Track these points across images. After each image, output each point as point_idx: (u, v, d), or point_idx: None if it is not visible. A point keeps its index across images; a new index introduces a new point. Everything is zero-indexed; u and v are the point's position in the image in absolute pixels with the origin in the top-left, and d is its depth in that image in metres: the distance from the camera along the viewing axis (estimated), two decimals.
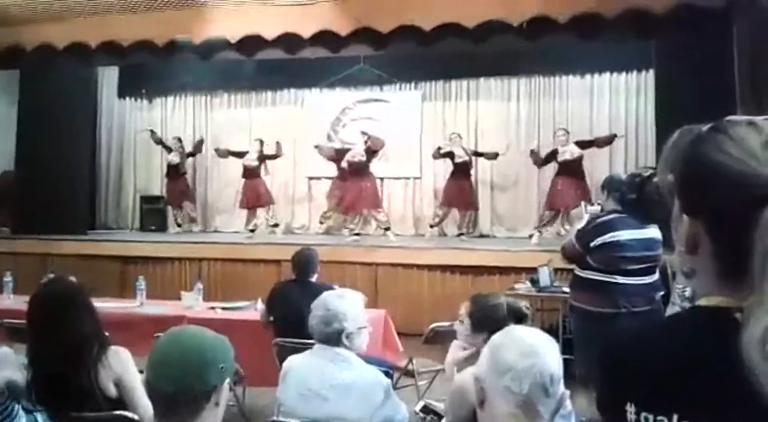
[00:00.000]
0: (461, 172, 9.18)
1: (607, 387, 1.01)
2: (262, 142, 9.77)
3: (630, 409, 0.94)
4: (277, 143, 9.74)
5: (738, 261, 0.86)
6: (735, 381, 0.83)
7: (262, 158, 9.72)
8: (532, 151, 9.06)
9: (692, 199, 0.92)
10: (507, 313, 2.54)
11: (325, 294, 2.80)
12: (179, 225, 10.41)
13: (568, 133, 8.86)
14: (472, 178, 9.48)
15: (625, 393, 0.95)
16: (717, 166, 0.87)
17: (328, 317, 2.66)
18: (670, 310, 1.09)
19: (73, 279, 2.90)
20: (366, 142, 9.02)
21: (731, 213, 0.86)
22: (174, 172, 10.37)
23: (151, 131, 10.72)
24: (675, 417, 0.90)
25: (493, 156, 9.36)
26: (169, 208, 10.60)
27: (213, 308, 5.35)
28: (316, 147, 9.82)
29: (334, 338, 2.67)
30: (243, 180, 9.87)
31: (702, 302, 0.93)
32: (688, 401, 0.90)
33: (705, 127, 0.92)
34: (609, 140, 8.97)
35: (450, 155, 9.18)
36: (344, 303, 2.73)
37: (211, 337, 1.56)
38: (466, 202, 9.29)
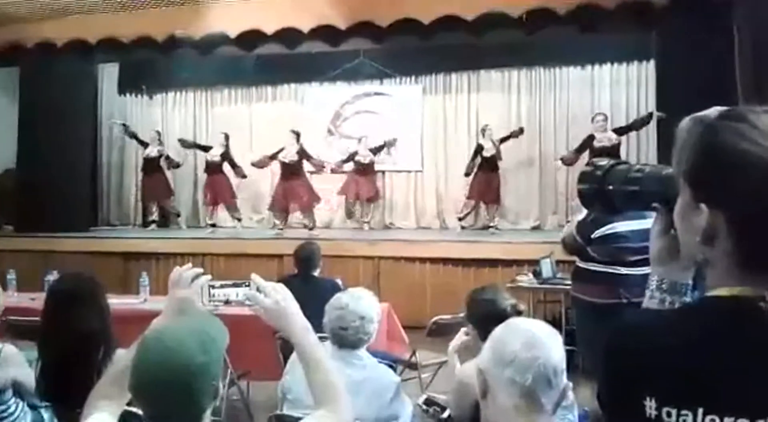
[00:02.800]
0: (489, 165, 8.99)
1: (618, 380, 0.96)
2: (227, 137, 9.66)
3: (649, 404, 0.90)
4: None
5: (763, 250, 0.85)
6: (763, 372, 0.83)
7: (226, 155, 9.55)
8: (561, 158, 8.76)
9: (714, 189, 0.89)
10: (497, 309, 2.54)
11: (353, 300, 2.74)
12: (154, 222, 10.14)
13: (606, 119, 8.50)
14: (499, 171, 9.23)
15: (643, 387, 0.91)
16: (743, 156, 0.85)
17: (365, 326, 2.67)
18: (648, 302, 1.07)
19: (88, 275, 2.85)
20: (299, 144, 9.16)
21: (761, 203, 0.84)
22: (150, 167, 10.04)
23: (123, 124, 10.34)
24: (700, 411, 0.86)
25: (519, 132, 9.11)
26: (148, 204, 10.36)
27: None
28: (252, 164, 9.54)
29: (362, 341, 2.69)
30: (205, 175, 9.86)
31: (720, 292, 0.90)
32: (713, 393, 0.87)
33: (715, 115, 0.90)
34: (645, 121, 8.42)
35: (479, 149, 9.07)
36: (372, 306, 2.75)
37: (197, 358, 1.38)
38: (493, 196, 9.14)
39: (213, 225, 9.72)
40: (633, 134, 9.37)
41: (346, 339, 2.66)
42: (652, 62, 8.67)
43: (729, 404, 0.85)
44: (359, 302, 2.73)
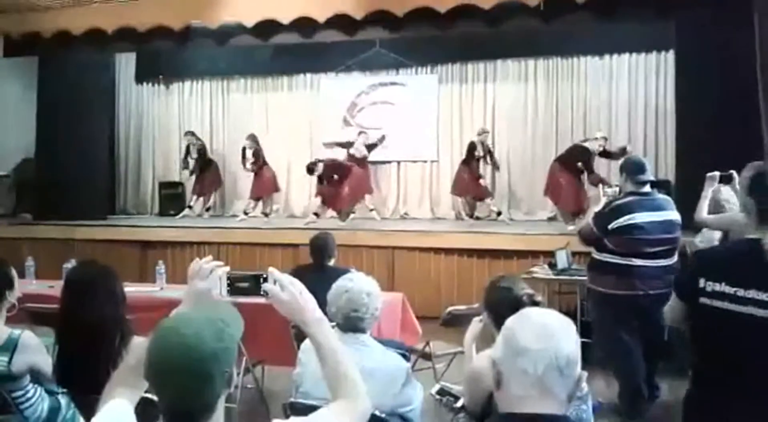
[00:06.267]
0: (470, 163, 9.10)
1: (692, 272, 2.23)
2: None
3: (702, 281, 2.14)
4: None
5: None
6: (756, 268, 2.09)
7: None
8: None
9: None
10: (512, 297, 2.53)
11: (360, 283, 2.74)
12: (207, 210, 10.54)
13: (606, 139, 8.46)
14: (481, 172, 9.30)
15: (702, 274, 2.16)
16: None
17: (373, 301, 2.68)
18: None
19: (102, 264, 2.88)
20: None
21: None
22: (203, 163, 10.40)
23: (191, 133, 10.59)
24: (723, 283, 2.10)
25: (497, 167, 9.38)
26: (194, 195, 10.56)
27: None
28: (325, 144, 9.93)
29: (371, 322, 2.69)
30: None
31: (752, 236, 2.17)
32: (731, 275, 2.11)
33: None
34: (623, 153, 8.20)
35: (472, 147, 9.11)
36: (371, 281, 2.76)
37: (211, 345, 1.38)
38: (475, 191, 9.23)
39: (246, 213, 9.86)
40: (652, 134, 9.36)
41: (358, 322, 2.65)
42: (671, 52, 8.56)
43: (738, 279, 2.09)
44: (359, 280, 2.74)
